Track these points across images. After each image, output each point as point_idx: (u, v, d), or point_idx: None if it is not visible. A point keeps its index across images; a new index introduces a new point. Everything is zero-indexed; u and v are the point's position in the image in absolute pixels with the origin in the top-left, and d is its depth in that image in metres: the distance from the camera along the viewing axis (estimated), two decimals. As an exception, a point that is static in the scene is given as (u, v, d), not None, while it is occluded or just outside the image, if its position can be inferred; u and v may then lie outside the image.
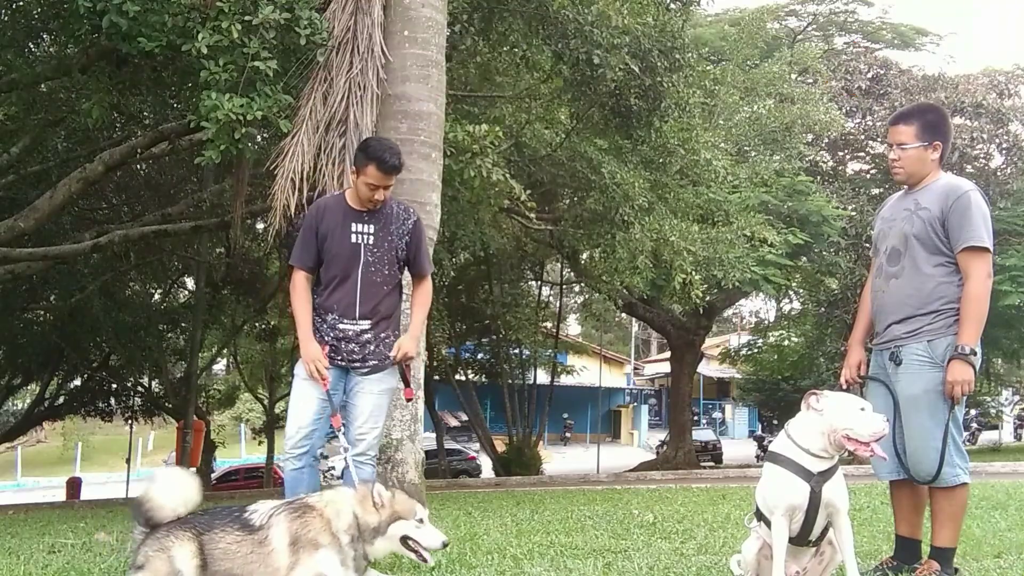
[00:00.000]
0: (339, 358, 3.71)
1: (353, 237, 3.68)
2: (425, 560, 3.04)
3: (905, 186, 3.44)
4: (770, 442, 3.40)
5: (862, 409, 2.93)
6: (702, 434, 28.20)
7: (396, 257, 3.76)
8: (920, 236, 3.23)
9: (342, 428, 3.60)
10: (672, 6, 9.86)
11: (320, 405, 3.68)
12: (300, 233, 3.78)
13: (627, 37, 8.94)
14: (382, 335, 3.73)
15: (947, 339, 3.15)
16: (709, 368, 38.61)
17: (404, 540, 3.00)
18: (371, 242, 3.70)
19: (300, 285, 3.74)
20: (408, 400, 3.90)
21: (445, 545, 3.05)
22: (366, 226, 3.69)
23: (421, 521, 3.01)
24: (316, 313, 3.76)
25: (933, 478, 3.13)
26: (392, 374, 3.80)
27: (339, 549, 2.92)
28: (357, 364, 3.72)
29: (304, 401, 3.70)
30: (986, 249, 3.16)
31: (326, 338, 3.70)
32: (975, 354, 3.11)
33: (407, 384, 3.82)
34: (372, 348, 3.72)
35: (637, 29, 8.98)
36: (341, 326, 3.70)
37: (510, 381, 21.97)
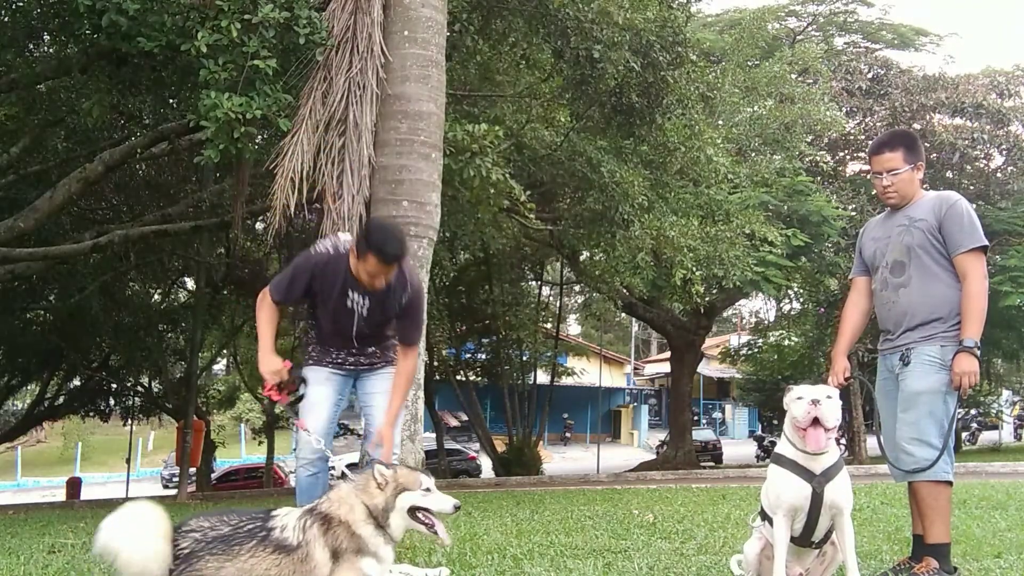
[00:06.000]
0: (348, 365, 3.80)
1: (348, 303, 3.64)
2: (436, 533, 3.00)
3: (888, 208, 3.59)
4: (771, 442, 3.44)
5: (799, 398, 2.98)
6: (702, 434, 28.19)
7: (389, 320, 3.76)
8: (923, 245, 3.37)
9: (307, 430, 3.60)
10: (675, 3, 9.85)
11: (332, 411, 3.78)
12: (291, 271, 3.66)
13: (628, 33, 8.94)
14: (385, 347, 3.84)
15: (956, 347, 3.27)
16: (709, 368, 38.62)
17: (412, 512, 2.96)
18: (365, 312, 3.67)
19: (269, 305, 3.68)
20: None
21: (457, 508, 3.01)
22: (362, 298, 3.62)
23: (428, 490, 3.00)
24: (317, 341, 3.81)
25: (924, 469, 3.22)
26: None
27: (366, 547, 2.88)
28: (365, 369, 3.82)
29: (317, 407, 3.74)
30: (984, 248, 3.32)
31: (325, 359, 3.78)
32: (979, 348, 3.25)
33: None
34: (378, 356, 3.83)
35: (639, 24, 8.98)
36: (344, 355, 3.79)
37: (510, 382, 21.95)
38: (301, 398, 3.64)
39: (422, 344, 6.03)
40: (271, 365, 3.56)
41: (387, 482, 2.97)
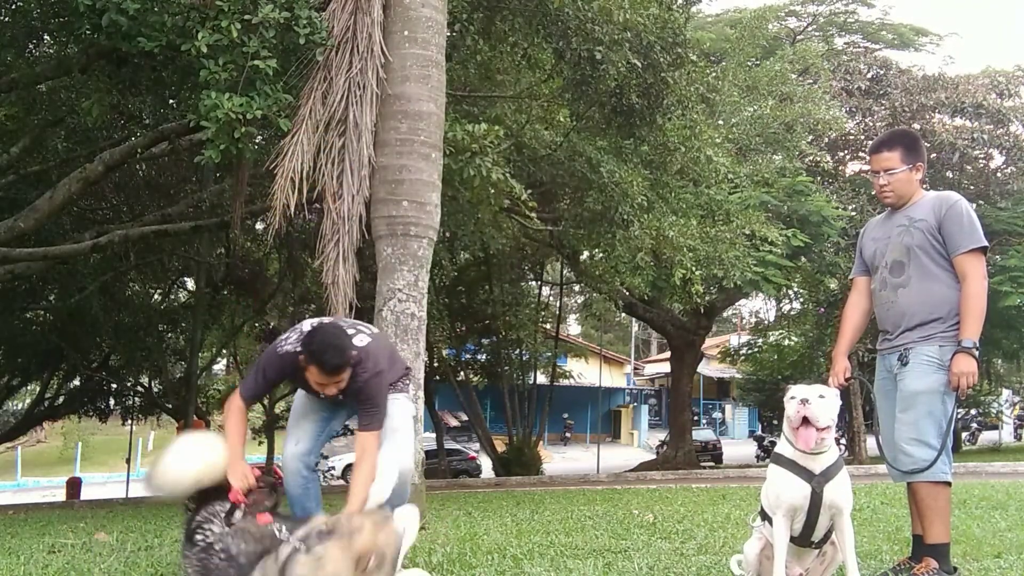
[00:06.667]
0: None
1: (322, 395, 3.48)
2: None
3: (888, 208, 3.59)
4: (771, 442, 3.46)
5: (792, 397, 3.02)
6: (702, 434, 28.20)
7: None
8: (922, 246, 3.37)
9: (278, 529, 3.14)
10: (675, 5, 9.85)
11: (320, 426, 3.70)
12: (261, 374, 3.46)
13: (629, 33, 8.94)
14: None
15: (955, 347, 3.27)
16: (709, 368, 38.62)
17: None
18: (340, 399, 3.53)
19: (239, 408, 3.47)
20: None
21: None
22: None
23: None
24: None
25: (922, 470, 3.23)
26: (409, 400, 3.74)
27: None
28: None
29: (305, 420, 3.69)
30: (984, 249, 3.32)
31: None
32: (978, 348, 3.25)
33: None
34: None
35: (639, 24, 8.98)
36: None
37: (510, 382, 21.95)
38: (272, 508, 3.21)
39: (421, 345, 6.07)
40: (239, 470, 3.21)
41: (379, 561, 2.59)
